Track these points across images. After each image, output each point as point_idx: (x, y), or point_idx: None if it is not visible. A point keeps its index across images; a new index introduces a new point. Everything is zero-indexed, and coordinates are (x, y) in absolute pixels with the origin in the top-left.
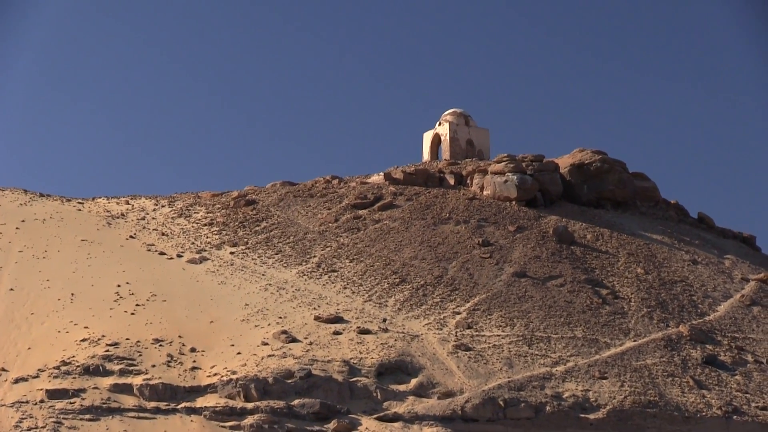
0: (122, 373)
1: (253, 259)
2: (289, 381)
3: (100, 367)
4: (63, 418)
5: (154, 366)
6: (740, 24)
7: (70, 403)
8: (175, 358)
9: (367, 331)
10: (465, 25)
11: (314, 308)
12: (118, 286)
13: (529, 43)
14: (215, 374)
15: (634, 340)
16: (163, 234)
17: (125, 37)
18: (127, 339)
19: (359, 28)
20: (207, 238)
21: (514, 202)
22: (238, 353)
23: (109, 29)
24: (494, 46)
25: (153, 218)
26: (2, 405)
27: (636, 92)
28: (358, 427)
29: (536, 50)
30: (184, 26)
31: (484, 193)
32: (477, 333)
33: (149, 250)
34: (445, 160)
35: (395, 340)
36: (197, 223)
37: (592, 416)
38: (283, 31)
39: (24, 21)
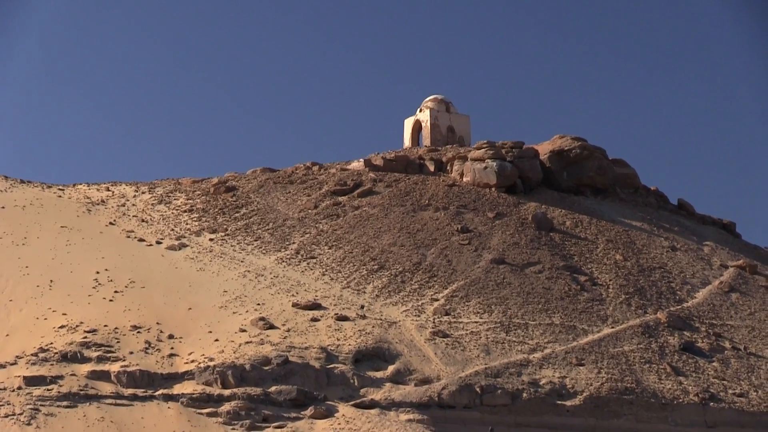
0: (100, 359)
1: (232, 246)
2: (266, 368)
3: (78, 354)
4: (40, 405)
5: (131, 353)
6: (719, 12)
7: (48, 389)
8: (152, 345)
9: (344, 318)
10: (446, 11)
11: (292, 295)
12: (97, 272)
13: (509, 29)
14: (193, 361)
15: (612, 327)
16: (142, 221)
17: (108, 25)
18: (105, 326)
19: (340, 14)
20: (186, 224)
21: (493, 189)
22: (216, 340)
23: (92, 17)
24: (475, 32)
25: (133, 205)
26: None
27: (616, 79)
28: (335, 414)
29: (517, 37)
30: (167, 16)
31: (464, 179)
32: (455, 320)
33: (128, 237)
34: (426, 146)
35: (373, 326)
36: (177, 209)
37: (568, 403)
38: (264, 18)
39: (9, 9)
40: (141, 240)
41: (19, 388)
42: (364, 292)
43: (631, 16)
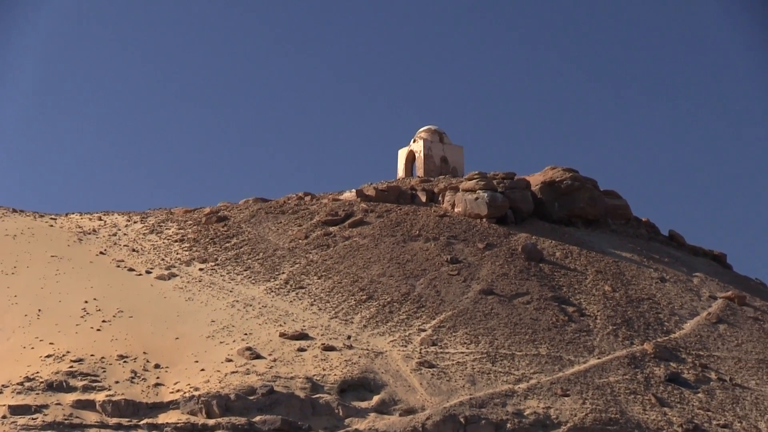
0: (85, 389)
1: (221, 276)
2: (252, 398)
3: (64, 383)
4: None
5: (117, 382)
6: (708, 43)
7: (32, 419)
8: (138, 375)
9: (331, 348)
10: (440, 42)
11: (280, 325)
12: (86, 302)
13: (503, 60)
14: (178, 390)
15: (598, 358)
16: (133, 250)
17: (100, 54)
18: (91, 355)
19: (334, 45)
20: (177, 254)
21: (484, 220)
22: (202, 370)
23: (86, 47)
24: (469, 63)
25: (125, 234)
26: None
27: (608, 110)
28: None
29: (510, 68)
30: (160, 43)
31: (456, 210)
32: (441, 350)
33: (119, 267)
34: (419, 176)
35: (359, 357)
36: (168, 239)
37: None
38: (258, 47)
39: (4, 40)
40: (131, 269)
41: (4, 417)
42: (352, 323)
43: (621, 48)
